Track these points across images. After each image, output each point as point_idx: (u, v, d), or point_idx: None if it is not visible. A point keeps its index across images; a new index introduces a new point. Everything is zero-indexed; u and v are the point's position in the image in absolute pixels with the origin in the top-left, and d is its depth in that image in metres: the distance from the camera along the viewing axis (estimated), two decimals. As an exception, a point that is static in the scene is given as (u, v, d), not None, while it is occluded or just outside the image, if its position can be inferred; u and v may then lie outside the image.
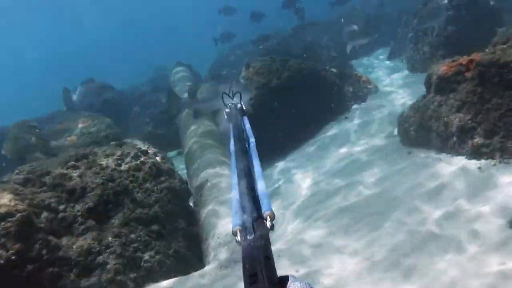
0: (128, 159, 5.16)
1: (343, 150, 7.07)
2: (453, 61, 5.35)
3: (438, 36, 9.50)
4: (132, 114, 14.49)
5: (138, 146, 5.40)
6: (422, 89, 6.10)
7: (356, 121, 7.94)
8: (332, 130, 8.00)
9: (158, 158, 5.47)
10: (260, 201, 1.54)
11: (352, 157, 6.62)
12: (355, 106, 8.67)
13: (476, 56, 5.03)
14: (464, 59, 5.16)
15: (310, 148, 7.80)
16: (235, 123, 2.54)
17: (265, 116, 7.62)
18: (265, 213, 1.45)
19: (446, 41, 9.35)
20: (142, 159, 5.23)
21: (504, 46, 5.22)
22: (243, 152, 2.04)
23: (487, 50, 5.36)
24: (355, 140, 7.26)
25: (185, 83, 11.42)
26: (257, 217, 1.45)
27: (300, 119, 7.96)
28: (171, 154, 10.88)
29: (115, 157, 5.10)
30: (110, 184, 4.70)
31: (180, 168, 8.27)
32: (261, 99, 7.84)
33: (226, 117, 2.88)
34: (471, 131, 4.95)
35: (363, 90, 9.17)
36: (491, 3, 9.71)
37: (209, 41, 14.75)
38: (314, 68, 8.39)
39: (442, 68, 5.36)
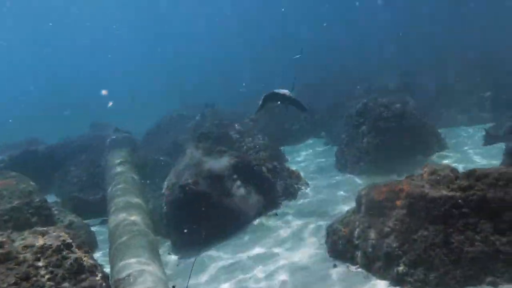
0: (49, 252, 4.63)
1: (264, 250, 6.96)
2: (384, 185, 5.53)
3: (368, 143, 10.01)
4: (60, 171, 13.58)
5: (62, 239, 4.86)
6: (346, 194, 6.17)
7: (285, 222, 7.87)
8: (259, 227, 7.86)
9: (81, 253, 4.95)
10: None
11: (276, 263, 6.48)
12: (285, 202, 8.68)
13: (407, 186, 5.25)
14: (396, 187, 5.35)
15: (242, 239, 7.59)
16: None
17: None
18: None
19: (375, 148, 9.87)
20: (64, 253, 4.70)
21: (432, 177, 5.53)
22: None
23: (414, 179, 5.64)
24: (280, 243, 7.13)
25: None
26: None
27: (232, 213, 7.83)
28: (95, 222, 10.20)
29: (34, 250, 4.56)
30: (23, 284, 4.14)
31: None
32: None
33: None
34: (397, 258, 5.03)
35: (294, 186, 9.27)
36: (418, 117, 10.56)
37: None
38: (249, 162, 8.37)
39: (374, 192, 5.51)
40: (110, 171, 10.51)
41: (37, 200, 7.99)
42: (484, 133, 10.33)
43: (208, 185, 7.74)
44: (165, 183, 8.50)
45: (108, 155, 11.68)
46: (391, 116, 10.08)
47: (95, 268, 4.98)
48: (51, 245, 4.70)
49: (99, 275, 4.98)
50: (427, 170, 5.82)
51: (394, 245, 5.07)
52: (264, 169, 8.63)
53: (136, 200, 8.35)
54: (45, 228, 5.07)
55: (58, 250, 4.69)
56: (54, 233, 4.94)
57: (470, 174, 5.02)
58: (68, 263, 4.66)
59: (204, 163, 8.05)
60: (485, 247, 4.67)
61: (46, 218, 7.99)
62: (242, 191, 7.90)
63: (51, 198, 12.86)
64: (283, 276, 5.93)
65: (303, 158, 12.89)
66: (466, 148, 10.81)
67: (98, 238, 9.01)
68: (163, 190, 8.53)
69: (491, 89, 14.56)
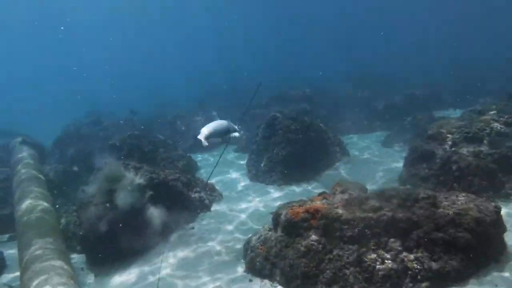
0: None
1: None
2: (300, 206, 5.33)
3: (277, 155, 9.89)
4: None
5: None
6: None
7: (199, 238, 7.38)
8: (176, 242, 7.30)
9: None
10: None
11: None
12: (201, 215, 8.20)
13: (322, 208, 5.08)
14: (311, 207, 5.16)
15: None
16: None
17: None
18: None
19: (284, 159, 9.78)
20: None
21: (344, 196, 5.44)
22: None
23: (327, 198, 5.52)
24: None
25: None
26: None
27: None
28: (2, 239, 8.89)
29: None
30: None
31: None
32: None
33: None
34: (314, 277, 4.84)
35: (209, 198, 8.82)
36: (322, 128, 10.71)
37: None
38: (165, 178, 7.76)
39: (290, 212, 5.27)
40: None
41: None
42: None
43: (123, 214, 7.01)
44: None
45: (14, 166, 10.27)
46: (299, 128, 10.09)
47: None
48: None
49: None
50: (338, 188, 5.76)
51: (312, 265, 4.87)
52: (179, 184, 8.06)
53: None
54: None
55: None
56: None
57: (380, 195, 5.00)
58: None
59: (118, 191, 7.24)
60: (394, 264, 4.65)
61: None
62: (156, 211, 7.24)
63: None
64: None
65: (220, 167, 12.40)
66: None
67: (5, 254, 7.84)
68: (76, 211, 7.74)
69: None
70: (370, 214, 4.81)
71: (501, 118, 7.54)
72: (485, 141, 7.29)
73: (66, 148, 15.71)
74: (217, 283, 5.75)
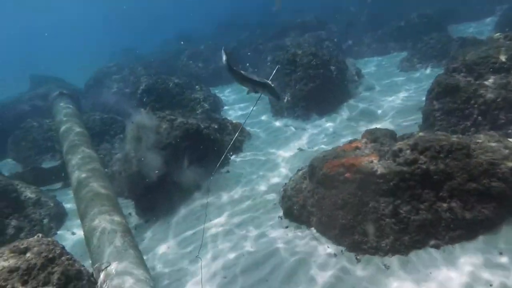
0: (35, 272, 3.81)
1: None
2: (334, 157, 5.09)
3: (300, 90, 9.43)
4: (13, 137, 11.77)
5: (44, 255, 3.97)
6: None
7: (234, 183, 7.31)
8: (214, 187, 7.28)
9: (65, 261, 4.12)
10: None
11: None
12: (233, 158, 8.10)
13: (357, 162, 4.83)
14: (346, 161, 4.92)
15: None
16: None
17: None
18: None
19: (306, 95, 9.36)
20: (49, 269, 3.92)
21: (376, 145, 5.16)
22: None
23: (360, 147, 5.25)
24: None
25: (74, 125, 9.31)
26: None
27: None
28: (55, 187, 9.09)
29: (20, 273, 3.72)
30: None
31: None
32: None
33: None
34: (351, 229, 4.77)
35: (239, 139, 8.65)
36: (340, 59, 10.09)
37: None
38: (198, 127, 7.51)
39: (326, 165, 5.06)
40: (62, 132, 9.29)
41: (2, 184, 7.07)
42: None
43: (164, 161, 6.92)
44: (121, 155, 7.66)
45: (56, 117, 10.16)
46: (319, 63, 9.48)
47: (80, 273, 4.25)
48: (35, 264, 3.88)
49: (85, 279, 4.29)
50: (369, 136, 5.45)
51: (349, 217, 4.77)
52: (212, 131, 7.85)
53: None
54: (25, 244, 4.11)
55: (43, 267, 3.91)
56: (36, 248, 4.05)
57: (414, 147, 4.68)
58: (56, 277, 3.92)
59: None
60: (428, 214, 4.50)
61: (14, 201, 7.17)
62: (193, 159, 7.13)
63: (8, 165, 11.46)
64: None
65: (240, 105, 12.03)
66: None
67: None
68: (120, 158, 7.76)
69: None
70: (405, 168, 4.56)
71: (529, 45, 6.81)
72: None
73: (98, 91, 15.51)
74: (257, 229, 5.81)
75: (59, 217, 7.60)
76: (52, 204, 7.65)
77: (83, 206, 6.06)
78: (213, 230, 6.01)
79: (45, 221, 7.27)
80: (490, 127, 6.48)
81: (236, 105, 11.80)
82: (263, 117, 10.10)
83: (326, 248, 4.94)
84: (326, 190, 5.07)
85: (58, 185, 9.38)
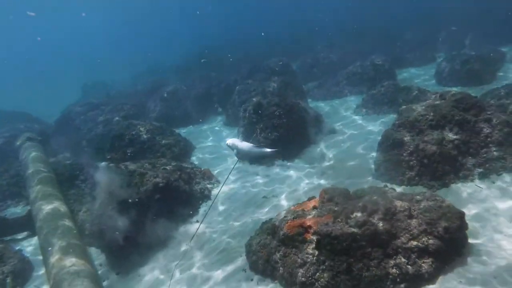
0: None
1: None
2: (293, 221, 5.44)
3: (265, 138, 9.83)
4: None
5: None
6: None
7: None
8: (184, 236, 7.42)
9: None
10: None
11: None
12: (202, 207, 8.28)
13: (314, 223, 5.20)
14: (304, 222, 5.28)
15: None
16: None
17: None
18: None
19: (271, 143, 9.77)
20: None
21: (333, 207, 5.55)
22: None
23: (315, 212, 5.62)
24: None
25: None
26: None
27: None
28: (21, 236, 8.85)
29: None
30: None
31: None
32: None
33: None
34: (310, 286, 5.08)
35: (207, 186, 8.88)
36: (301, 106, 10.61)
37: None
38: (168, 180, 7.71)
39: (286, 226, 5.40)
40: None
41: None
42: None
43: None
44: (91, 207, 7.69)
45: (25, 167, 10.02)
46: (283, 113, 9.97)
47: None
48: None
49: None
50: (325, 196, 5.85)
51: (308, 274, 5.09)
52: (181, 183, 8.05)
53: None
54: None
55: None
56: None
57: (363, 210, 5.11)
58: None
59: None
60: (377, 271, 4.89)
61: None
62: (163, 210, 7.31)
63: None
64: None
65: (211, 147, 12.27)
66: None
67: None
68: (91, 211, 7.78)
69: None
70: (356, 230, 4.96)
71: (460, 105, 7.57)
72: (447, 128, 7.37)
73: (68, 129, 15.35)
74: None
75: (24, 273, 7.42)
76: (16, 261, 7.47)
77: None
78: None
79: (8, 280, 7.09)
80: (430, 178, 7.10)
81: (206, 147, 12.10)
82: (231, 163, 10.39)
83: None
84: (287, 249, 5.38)
85: (24, 234, 9.14)
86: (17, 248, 8.23)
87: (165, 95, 15.98)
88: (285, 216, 5.60)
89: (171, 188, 7.68)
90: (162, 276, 6.56)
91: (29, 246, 8.50)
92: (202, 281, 6.18)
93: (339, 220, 5.16)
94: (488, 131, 7.26)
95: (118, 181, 7.26)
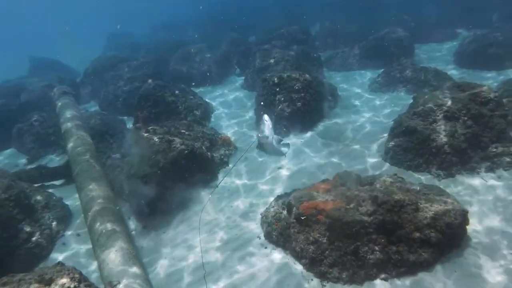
0: None
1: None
2: (308, 201, 5.67)
3: (282, 111, 9.88)
4: (17, 129, 11.86)
5: (67, 286, 4.40)
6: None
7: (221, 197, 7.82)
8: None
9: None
10: None
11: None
12: (221, 172, 8.56)
13: (327, 207, 5.43)
14: (319, 205, 5.52)
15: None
16: None
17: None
18: None
19: (288, 115, 9.84)
20: None
21: (343, 190, 5.76)
22: None
23: (328, 196, 5.83)
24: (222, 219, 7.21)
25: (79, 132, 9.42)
26: None
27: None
28: (58, 183, 9.35)
29: None
30: None
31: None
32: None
33: None
34: (319, 262, 5.42)
35: (226, 153, 9.10)
36: (321, 89, 10.57)
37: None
38: (193, 148, 7.91)
39: (302, 206, 5.65)
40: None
41: (15, 192, 7.22)
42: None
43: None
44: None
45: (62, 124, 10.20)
46: (301, 87, 9.93)
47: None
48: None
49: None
50: (339, 180, 6.04)
51: (318, 252, 5.41)
52: (204, 150, 8.27)
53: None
54: (49, 275, 4.50)
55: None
56: (60, 281, 4.46)
57: (374, 200, 5.31)
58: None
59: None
60: (381, 255, 5.19)
61: (27, 208, 7.44)
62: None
63: (13, 156, 11.59)
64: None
65: (227, 112, 12.32)
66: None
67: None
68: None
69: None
70: (365, 218, 5.20)
71: (477, 98, 7.48)
72: (460, 120, 7.35)
73: (98, 82, 15.46)
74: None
75: (66, 219, 7.95)
76: (59, 207, 7.98)
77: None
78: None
79: (54, 224, 7.62)
80: (438, 167, 7.21)
81: (224, 109, 12.23)
82: (248, 129, 10.57)
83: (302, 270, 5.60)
84: (300, 227, 5.68)
85: (61, 181, 9.63)
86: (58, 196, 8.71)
87: (186, 53, 15.83)
88: (301, 197, 5.83)
89: (195, 154, 7.89)
90: (187, 236, 6.98)
91: (66, 192, 8.97)
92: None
93: (351, 207, 5.38)
94: (502, 127, 7.23)
95: (146, 147, 7.48)
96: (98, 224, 6.42)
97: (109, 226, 6.34)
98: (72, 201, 8.52)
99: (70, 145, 8.88)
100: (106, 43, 24.84)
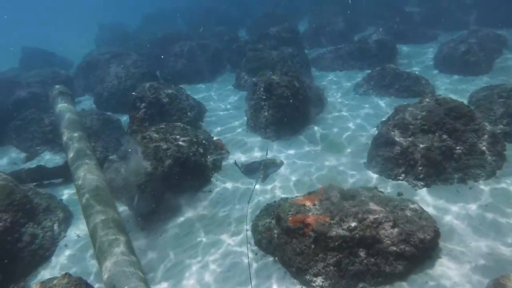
0: None
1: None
2: (294, 216, 5.90)
3: (271, 115, 10.02)
4: (15, 126, 11.76)
5: None
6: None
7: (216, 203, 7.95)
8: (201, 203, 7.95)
9: None
10: None
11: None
12: (214, 178, 8.69)
13: (313, 222, 5.68)
14: (305, 219, 5.76)
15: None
16: None
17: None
18: None
19: (277, 120, 9.98)
20: None
21: (330, 207, 6.00)
22: None
23: (314, 210, 6.07)
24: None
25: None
26: None
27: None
28: (56, 182, 9.37)
29: None
30: None
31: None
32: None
33: None
34: (305, 271, 5.70)
35: (219, 158, 9.23)
36: (309, 94, 10.66)
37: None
38: (187, 156, 8.02)
39: (290, 219, 5.88)
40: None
41: (18, 197, 7.26)
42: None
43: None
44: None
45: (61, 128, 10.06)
46: (290, 94, 10.03)
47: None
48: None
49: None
50: (324, 194, 6.27)
51: (304, 262, 5.69)
52: (198, 157, 8.39)
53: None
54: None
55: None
56: None
57: (355, 216, 5.58)
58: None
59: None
60: (360, 266, 5.49)
61: (29, 211, 7.49)
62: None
63: (11, 153, 11.49)
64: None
65: (223, 109, 12.40)
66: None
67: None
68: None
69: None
70: (347, 233, 5.47)
71: (452, 113, 7.74)
72: (437, 134, 7.62)
73: (92, 78, 15.26)
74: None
75: (66, 221, 8.05)
76: (60, 210, 8.06)
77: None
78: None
79: (56, 226, 7.72)
80: (415, 178, 7.52)
81: (218, 111, 12.27)
82: (240, 132, 10.69)
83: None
84: (288, 238, 5.93)
85: (59, 180, 9.65)
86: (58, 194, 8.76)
87: (178, 51, 15.71)
88: (289, 210, 6.06)
89: (190, 161, 8.02)
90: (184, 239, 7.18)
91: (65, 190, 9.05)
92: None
93: (334, 222, 5.64)
94: (474, 140, 7.53)
95: (143, 155, 7.56)
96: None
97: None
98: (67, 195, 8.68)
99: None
100: (98, 32, 24.26)
